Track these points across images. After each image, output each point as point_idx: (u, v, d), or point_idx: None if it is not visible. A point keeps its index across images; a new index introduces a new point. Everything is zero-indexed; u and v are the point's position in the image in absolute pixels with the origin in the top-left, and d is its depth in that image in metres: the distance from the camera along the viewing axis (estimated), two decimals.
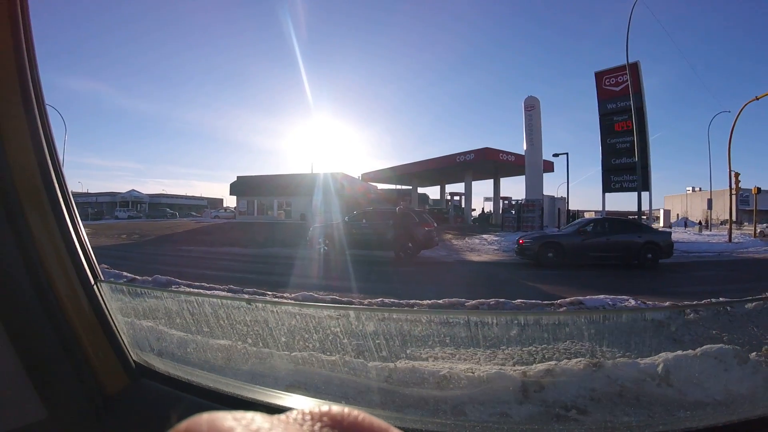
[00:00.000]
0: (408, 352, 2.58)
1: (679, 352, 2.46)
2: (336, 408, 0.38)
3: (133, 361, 1.66)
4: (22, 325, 1.33)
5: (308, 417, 0.38)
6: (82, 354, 1.45)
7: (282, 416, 0.38)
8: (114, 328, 1.61)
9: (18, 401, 1.28)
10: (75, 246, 1.53)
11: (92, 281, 1.57)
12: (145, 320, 2.07)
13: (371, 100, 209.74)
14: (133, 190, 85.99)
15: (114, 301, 1.72)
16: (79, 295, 1.50)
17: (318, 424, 0.37)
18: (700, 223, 50.12)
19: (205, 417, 0.36)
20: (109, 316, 1.60)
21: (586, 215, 42.79)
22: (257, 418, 0.36)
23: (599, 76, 33.92)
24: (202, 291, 9.05)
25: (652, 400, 2.20)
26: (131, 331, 1.86)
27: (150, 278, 10.49)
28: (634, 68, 30.60)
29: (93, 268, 1.60)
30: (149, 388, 1.63)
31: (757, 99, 27.99)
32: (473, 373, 2.39)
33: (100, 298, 1.58)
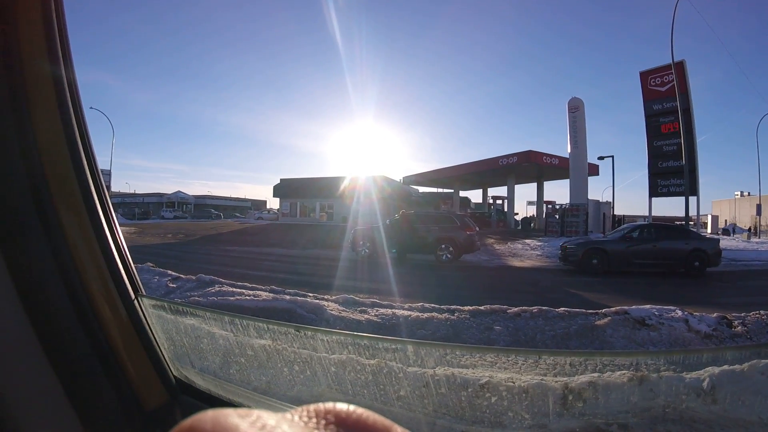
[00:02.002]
0: (448, 358, 2.57)
1: (726, 367, 2.39)
2: (341, 405, 0.39)
3: (174, 377, 1.63)
4: (59, 340, 1.29)
5: (313, 414, 0.38)
6: (121, 370, 1.42)
7: (287, 414, 0.38)
8: (155, 343, 1.58)
9: (55, 418, 1.24)
10: (115, 258, 1.49)
11: (132, 295, 1.54)
12: (186, 337, 2.08)
13: (412, 103, 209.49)
14: (179, 191, 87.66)
15: (155, 317, 1.69)
16: (119, 310, 1.47)
17: (323, 422, 0.37)
18: (749, 229, 48.48)
19: (210, 413, 0.36)
20: (149, 331, 1.57)
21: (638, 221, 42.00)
22: (263, 415, 0.36)
23: (644, 76, 33.10)
24: (245, 291, 9.20)
25: (696, 417, 2.15)
26: (172, 347, 1.84)
27: (194, 277, 10.71)
28: (679, 67, 29.78)
29: (133, 281, 1.57)
30: (189, 405, 1.61)
31: None
32: (513, 382, 2.37)
33: (140, 313, 1.55)
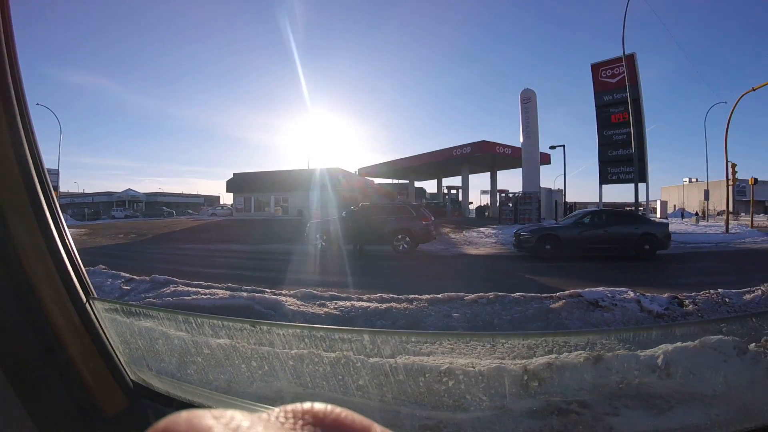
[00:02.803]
0: (408, 347, 2.57)
1: (679, 344, 2.45)
2: (318, 405, 0.38)
3: (131, 380, 1.59)
4: (10, 348, 1.25)
5: (290, 415, 0.37)
6: (77, 376, 1.38)
7: (263, 414, 0.37)
8: (109, 347, 1.54)
9: (12, 429, 1.21)
10: (64, 261, 1.44)
11: (84, 299, 1.50)
12: (141, 339, 2.02)
13: (368, 94, 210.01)
14: (130, 189, 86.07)
15: (108, 320, 1.64)
16: (71, 314, 1.43)
17: (300, 422, 0.37)
18: (696, 214, 50.15)
19: (184, 415, 0.35)
20: (103, 335, 1.53)
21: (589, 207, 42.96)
22: (237, 416, 0.36)
23: (595, 68, 33.93)
24: (201, 290, 9.06)
25: (652, 392, 2.20)
26: (127, 350, 1.79)
27: (148, 278, 10.47)
28: (630, 60, 30.61)
29: (84, 284, 1.53)
30: (149, 409, 1.57)
31: (754, 90, 27.94)
32: (474, 367, 2.38)
33: (93, 316, 1.50)
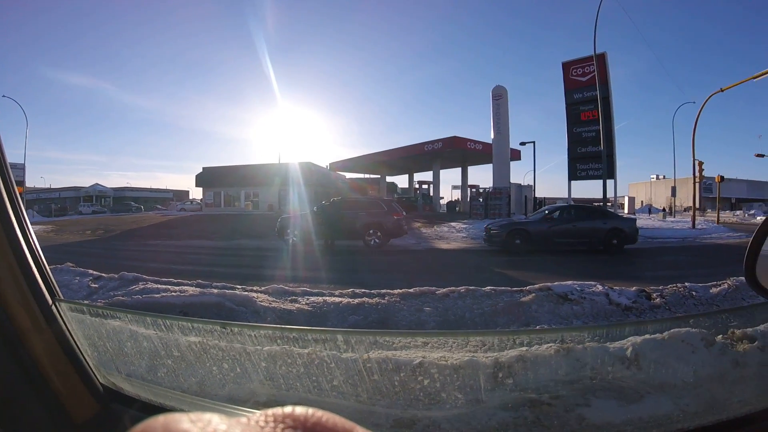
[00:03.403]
0: (381, 341, 2.56)
1: (647, 336, 2.50)
2: (300, 409, 0.37)
3: (101, 384, 1.54)
4: None
5: (270, 419, 0.36)
6: (45, 381, 1.33)
7: (242, 418, 0.36)
8: (77, 350, 1.49)
9: None
10: (28, 261, 1.38)
11: (50, 301, 1.44)
12: (110, 342, 1.98)
13: (339, 88, 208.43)
14: (97, 184, 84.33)
15: (75, 323, 1.58)
16: (37, 317, 1.37)
17: (280, 426, 0.36)
18: (664, 210, 51.07)
19: (161, 419, 0.34)
20: (71, 338, 1.47)
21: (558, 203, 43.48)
22: (214, 420, 0.35)
23: (566, 66, 34.40)
24: (170, 287, 8.93)
25: (622, 383, 2.23)
26: (96, 353, 1.75)
27: (116, 275, 10.29)
28: (601, 59, 31.11)
29: (50, 285, 1.47)
30: (120, 414, 1.52)
31: (722, 91, 28.51)
32: (446, 361, 2.40)
33: (60, 319, 1.45)
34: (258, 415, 0.37)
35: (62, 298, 1.54)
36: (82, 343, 1.55)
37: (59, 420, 1.35)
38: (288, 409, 0.37)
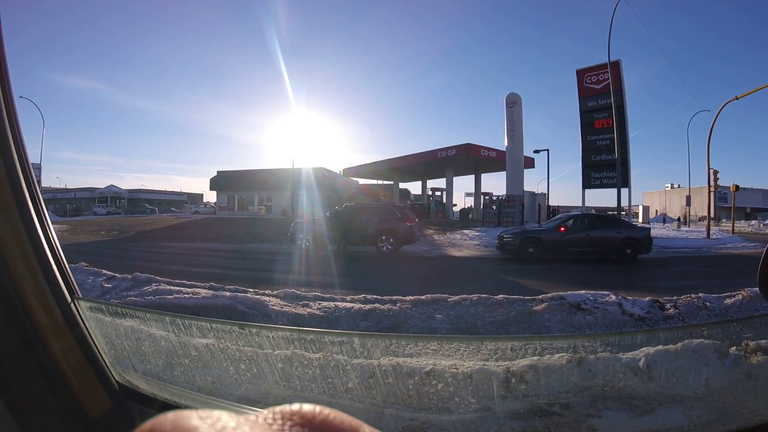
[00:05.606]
0: (392, 348, 2.57)
1: (660, 347, 2.48)
2: (307, 406, 0.37)
3: (116, 382, 1.55)
4: None
5: (278, 416, 0.36)
6: (62, 377, 1.36)
7: (251, 416, 0.36)
8: (94, 348, 1.50)
9: None
10: (48, 259, 1.40)
11: (69, 299, 1.46)
12: (127, 340, 1.99)
13: (352, 94, 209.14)
14: (112, 186, 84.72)
15: (93, 321, 1.60)
16: (56, 314, 1.39)
17: (288, 423, 0.36)
18: (678, 219, 50.62)
19: (170, 416, 0.35)
20: (88, 335, 1.49)
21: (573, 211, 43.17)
22: (223, 417, 0.35)
23: (581, 73, 34.14)
24: (183, 289, 8.98)
25: (634, 394, 2.22)
26: (112, 351, 1.76)
27: (130, 276, 10.36)
28: (615, 66, 30.92)
29: (69, 283, 1.50)
30: (134, 411, 1.54)
31: (737, 99, 28.27)
32: (457, 369, 2.39)
33: (78, 316, 1.48)
34: (266, 413, 0.37)
35: (81, 296, 1.55)
36: (99, 340, 1.57)
37: (75, 415, 1.36)
38: (296, 406, 0.37)
